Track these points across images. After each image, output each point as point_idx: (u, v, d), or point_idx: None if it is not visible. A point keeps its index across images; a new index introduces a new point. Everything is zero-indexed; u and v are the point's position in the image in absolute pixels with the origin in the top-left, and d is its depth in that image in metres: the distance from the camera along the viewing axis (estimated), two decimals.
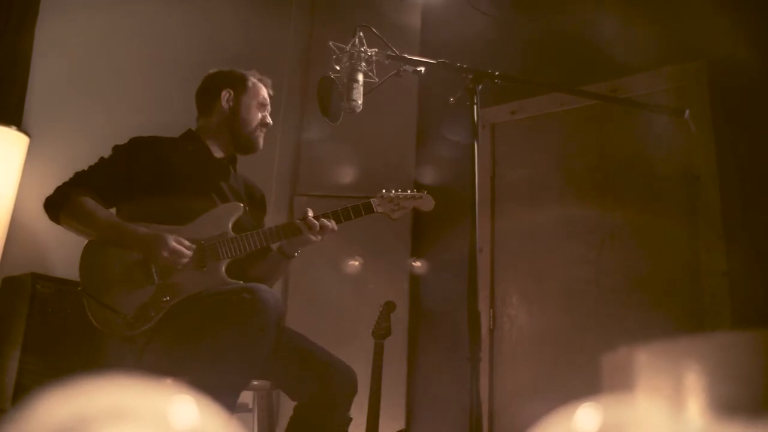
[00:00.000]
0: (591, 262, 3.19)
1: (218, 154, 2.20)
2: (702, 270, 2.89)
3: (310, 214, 2.03)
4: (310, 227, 2.02)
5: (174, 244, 1.88)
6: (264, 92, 2.23)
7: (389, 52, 1.71)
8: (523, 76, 3.24)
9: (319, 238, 2.05)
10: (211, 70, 2.27)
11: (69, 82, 2.93)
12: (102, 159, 2.03)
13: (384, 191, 2.16)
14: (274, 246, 2.16)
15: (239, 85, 2.20)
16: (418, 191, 2.21)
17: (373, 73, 1.70)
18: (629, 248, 3.12)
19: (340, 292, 3.49)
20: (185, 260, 1.89)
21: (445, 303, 3.47)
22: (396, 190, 2.17)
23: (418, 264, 3.51)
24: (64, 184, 1.97)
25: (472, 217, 1.54)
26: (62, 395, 0.41)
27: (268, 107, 2.24)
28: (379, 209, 2.13)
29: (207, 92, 2.23)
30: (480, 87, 1.65)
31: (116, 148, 2.06)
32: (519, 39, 3.65)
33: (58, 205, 1.93)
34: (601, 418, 0.49)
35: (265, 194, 2.37)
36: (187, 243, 1.91)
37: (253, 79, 2.23)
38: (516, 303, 3.37)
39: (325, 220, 2.04)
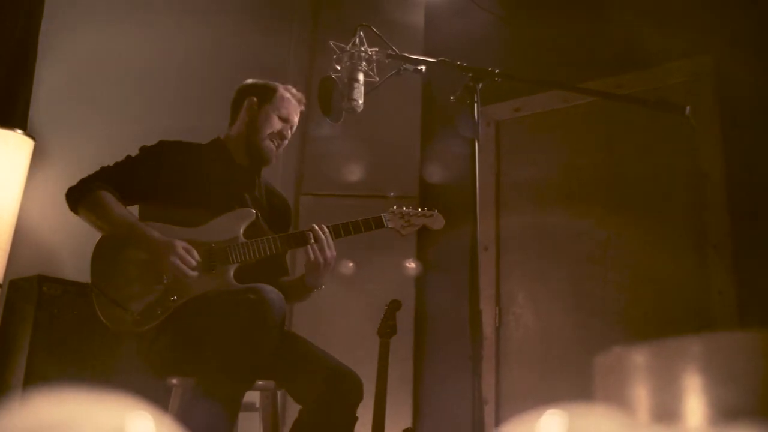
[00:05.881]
0: (597, 260, 3.18)
1: (243, 162, 2.19)
2: (710, 267, 2.87)
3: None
4: (317, 238, 2.00)
5: (181, 251, 1.87)
6: (290, 107, 2.19)
7: (389, 51, 1.71)
8: (528, 73, 3.21)
9: (322, 257, 2.00)
10: (248, 81, 2.24)
11: (74, 87, 2.94)
12: (128, 157, 2.06)
13: (395, 207, 2.16)
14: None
15: (266, 94, 2.18)
16: (428, 209, 2.21)
17: (373, 72, 1.70)
18: (636, 246, 3.10)
19: (345, 291, 3.49)
20: (190, 272, 1.87)
21: (451, 301, 3.46)
22: (407, 207, 2.17)
23: (412, 266, 3.51)
24: (89, 176, 2.00)
25: (473, 215, 1.54)
26: (22, 407, 0.42)
27: (291, 123, 2.20)
28: (390, 224, 2.13)
29: (235, 101, 2.23)
30: (480, 85, 1.65)
31: (143, 149, 2.08)
32: (523, 35, 3.63)
33: (78, 196, 1.96)
34: (569, 426, 0.49)
35: (289, 204, 2.36)
36: (195, 254, 1.90)
37: (282, 92, 2.19)
38: (522, 301, 3.36)
39: (328, 236, 2.02)
